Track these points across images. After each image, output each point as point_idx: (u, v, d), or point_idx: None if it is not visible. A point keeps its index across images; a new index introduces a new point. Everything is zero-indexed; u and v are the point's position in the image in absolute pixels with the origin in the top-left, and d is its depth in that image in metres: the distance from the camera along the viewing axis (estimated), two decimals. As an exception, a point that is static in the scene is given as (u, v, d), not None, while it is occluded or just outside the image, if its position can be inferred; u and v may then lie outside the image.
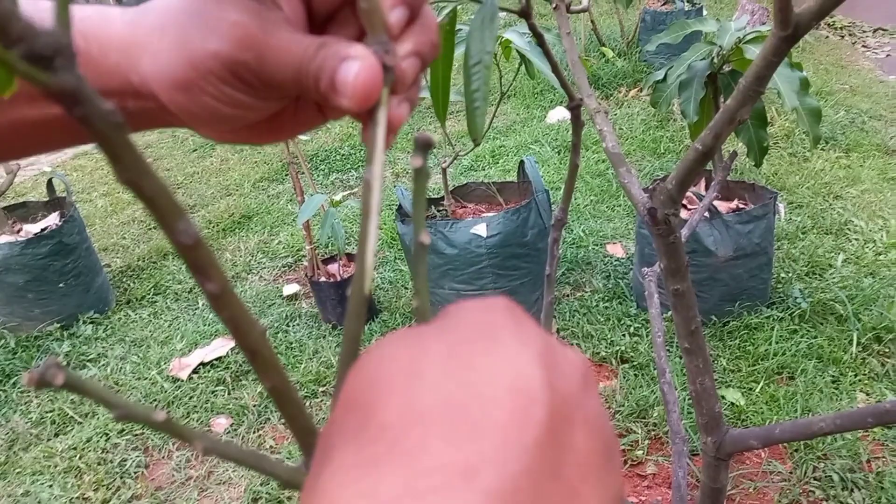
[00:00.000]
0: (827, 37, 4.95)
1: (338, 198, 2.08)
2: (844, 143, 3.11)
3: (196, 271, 0.20)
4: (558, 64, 0.60)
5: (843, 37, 4.99)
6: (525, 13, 0.57)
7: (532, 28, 0.57)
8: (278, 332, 2.21)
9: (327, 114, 0.34)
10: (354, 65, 0.27)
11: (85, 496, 1.71)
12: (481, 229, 1.91)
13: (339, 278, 2.18)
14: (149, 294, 2.53)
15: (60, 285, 2.29)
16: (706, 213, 1.89)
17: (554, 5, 0.82)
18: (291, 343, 2.16)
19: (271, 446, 1.80)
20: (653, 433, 1.71)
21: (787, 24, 0.55)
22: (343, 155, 3.63)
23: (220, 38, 0.28)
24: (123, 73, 0.29)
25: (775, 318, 2.01)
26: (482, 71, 0.57)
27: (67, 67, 0.16)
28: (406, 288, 2.38)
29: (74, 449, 1.85)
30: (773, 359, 1.87)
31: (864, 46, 4.77)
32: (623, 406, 1.79)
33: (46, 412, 1.98)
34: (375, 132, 0.27)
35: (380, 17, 0.27)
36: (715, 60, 1.00)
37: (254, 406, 1.93)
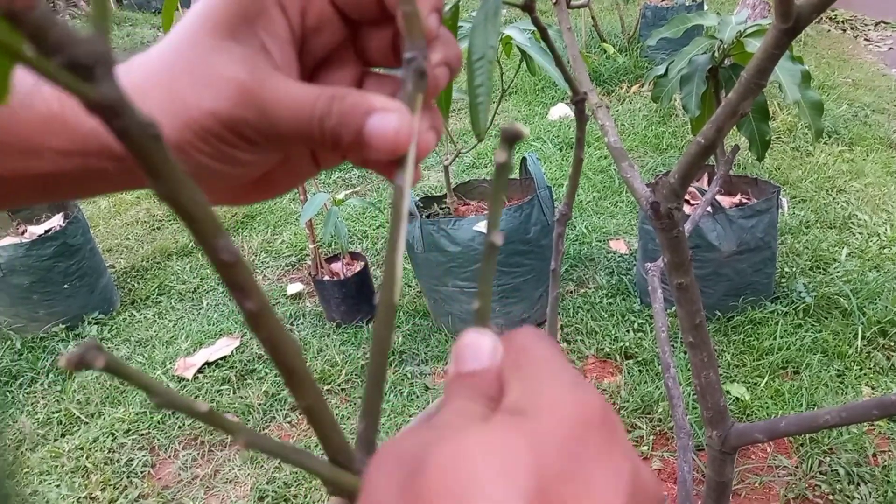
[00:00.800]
0: (829, 31, 4.93)
1: (340, 196, 2.08)
2: (847, 137, 3.10)
3: (234, 289, 0.20)
4: (561, 58, 0.60)
5: (845, 30, 4.97)
6: (528, 7, 0.57)
7: (535, 21, 0.57)
8: (282, 331, 2.22)
9: (322, 164, 0.33)
10: (391, 118, 0.27)
11: (92, 496, 1.72)
12: (484, 226, 1.91)
13: (342, 277, 2.18)
14: (153, 294, 2.54)
15: (65, 286, 2.30)
16: (709, 208, 1.89)
17: (554, 1, 0.82)
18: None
19: (277, 445, 1.81)
20: (658, 429, 1.71)
21: (788, 16, 0.55)
22: (345, 154, 3.64)
23: (215, 96, 0.27)
24: (102, 136, 0.27)
25: (780, 312, 2.01)
26: (485, 66, 0.57)
27: (107, 77, 0.15)
28: (409, 286, 2.38)
29: (81, 449, 1.85)
30: (777, 353, 1.87)
31: (866, 40, 4.75)
32: (628, 402, 1.79)
33: (53, 413, 1.99)
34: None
35: (419, 23, 0.27)
36: (716, 54, 1.00)
37: (259, 405, 1.93)
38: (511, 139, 0.25)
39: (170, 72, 0.27)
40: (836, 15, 5.20)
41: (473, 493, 0.17)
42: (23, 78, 0.27)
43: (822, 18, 5.06)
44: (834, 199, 2.63)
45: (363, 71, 0.31)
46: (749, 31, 0.96)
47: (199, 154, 0.27)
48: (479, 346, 0.23)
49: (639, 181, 0.77)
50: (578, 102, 0.53)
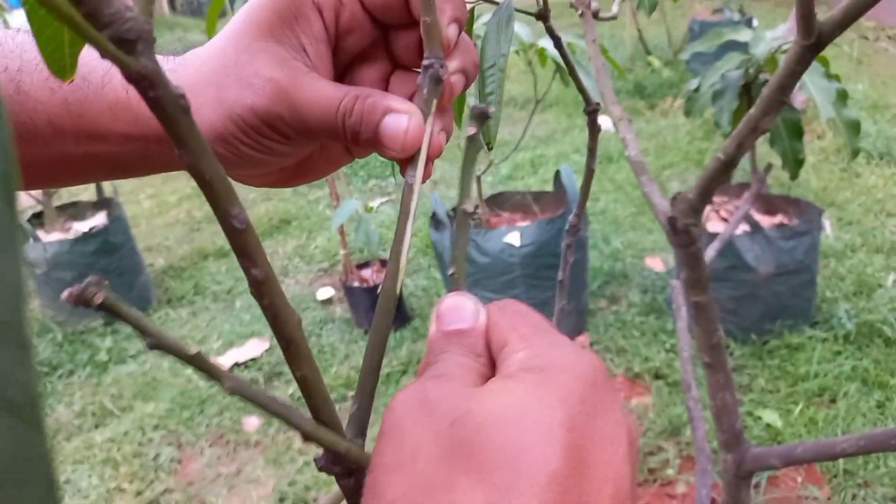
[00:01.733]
0: (887, 49, 4.78)
1: (374, 204, 2.10)
2: (900, 159, 2.99)
3: (243, 256, 0.22)
4: (575, 68, 0.59)
5: (902, 49, 4.80)
6: (542, 16, 0.57)
7: (549, 30, 0.57)
8: (311, 336, 2.24)
9: (355, 153, 0.36)
10: (403, 120, 0.29)
11: (120, 487, 1.76)
12: (514, 238, 1.90)
13: (371, 284, 2.19)
14: (189, 294, 2.59)
15: (105, 283, 2.37)
16: (747, 228, 1.84)
17: (579, 12, 0.82)
18: (324, 347, 2.18)
19: (299, 448, 1.82)
20: (684, 452, 1.67)
21: (811, 32, 0.53)
22: (383, 162, 3.66)
23: (254, 93, 0.30)
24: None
25: (818, 338, 1.94)
26: (497, 74, 0.57)
27: (147, 53, 0.17)
28: (438, 296, 2.38)
29: (112, 441, 1.90)
30: (814, 380, 1.81)
31: (925, 59, 4.58)
32: (655, 423, 1.75)
33: (88, 405, 2.04)
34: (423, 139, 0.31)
35: (439, 33, 0.29)
36: (749, 70, 0.98)
37: (284, 407, 1.95)
38: (480, 116, 0.28)
39: (218, 70, 0.31)
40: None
41: (525, 446, 0.20)
42: (96, 69, 0.31)
43: (879, 37, 4.91)
44: (882, 223, 2.53)
45: (392, 68, 0.34)
46: (784, 47, 0.94)
47: (241, 145, 0.31)
48: (462, 308, 0.26)
49: (658, 195, 0.75)
50: (591, 113, 0.53)
